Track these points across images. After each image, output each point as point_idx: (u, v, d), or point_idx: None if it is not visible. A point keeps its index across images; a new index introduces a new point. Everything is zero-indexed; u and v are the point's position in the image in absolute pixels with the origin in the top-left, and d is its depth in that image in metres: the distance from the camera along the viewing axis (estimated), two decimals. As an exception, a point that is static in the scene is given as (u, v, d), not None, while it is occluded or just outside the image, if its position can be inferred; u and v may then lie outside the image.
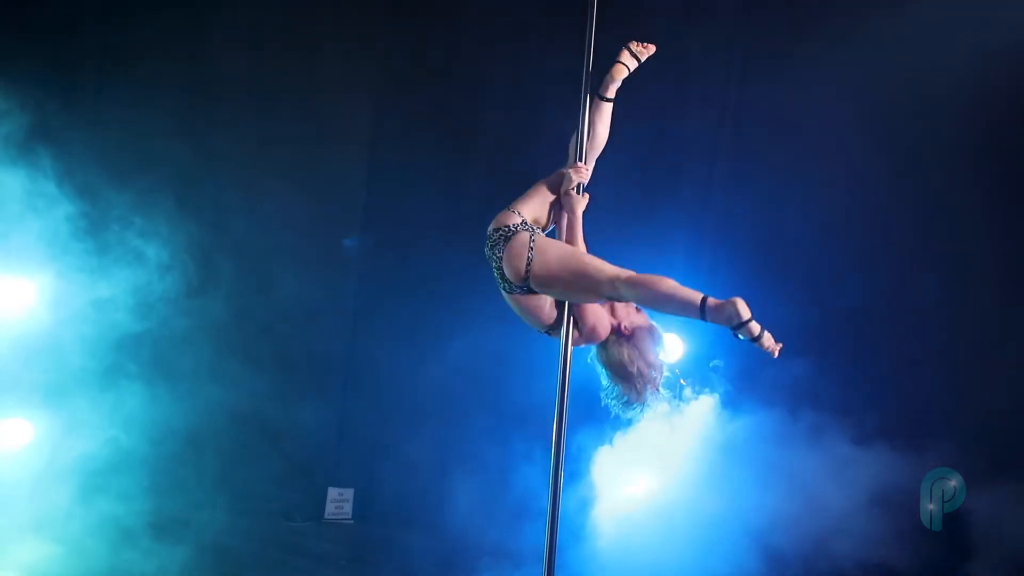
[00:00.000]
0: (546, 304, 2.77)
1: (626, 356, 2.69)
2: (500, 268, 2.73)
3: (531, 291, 2.71)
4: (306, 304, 5.22)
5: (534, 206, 2.83)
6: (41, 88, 4.41)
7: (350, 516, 5.36)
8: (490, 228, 2.78)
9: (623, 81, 2.91)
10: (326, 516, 5.33)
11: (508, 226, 2.74)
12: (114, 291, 4.55)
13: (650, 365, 2.69)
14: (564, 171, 2.88)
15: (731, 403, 4.84)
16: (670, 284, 2.48)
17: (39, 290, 4.57)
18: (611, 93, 2.91)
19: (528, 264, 2.65)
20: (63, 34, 4.72)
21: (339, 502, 5.38)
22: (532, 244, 2.67)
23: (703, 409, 4.79)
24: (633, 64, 2.91)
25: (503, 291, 2.78)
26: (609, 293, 2.57)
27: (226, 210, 5.02)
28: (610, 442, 4.78)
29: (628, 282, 2.51)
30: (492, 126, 5.41)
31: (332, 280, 5.37)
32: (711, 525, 4.65)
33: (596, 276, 2.56)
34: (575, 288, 2.64)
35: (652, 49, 2.92)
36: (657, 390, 2.72)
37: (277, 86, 5.21)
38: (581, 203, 2.84)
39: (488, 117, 5.40)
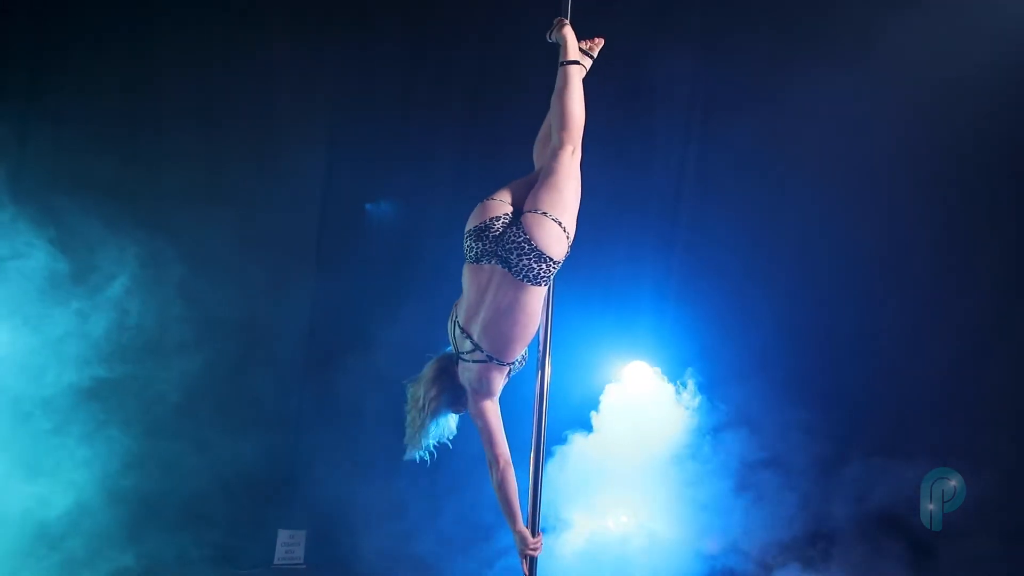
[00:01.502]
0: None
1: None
2: (524, 252, 2.51)
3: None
4: (255, 334, 4.99)
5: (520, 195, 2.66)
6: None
7: (302, 560, 5.02)
8: (484, 220, 2.57)
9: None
10: (276, 561, 4.99)
11: (508, 214, 2.58)
12: (51, 329, 4.27)
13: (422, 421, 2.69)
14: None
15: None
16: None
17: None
18: (571, 55, 2.72)
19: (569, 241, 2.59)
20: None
21: (290, 545, 5.04)
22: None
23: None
24: (587, 61, 2.81)
25: (526, 280, 2.53)
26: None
27: (171, 231, 4.74)
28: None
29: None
30: (456, 137, 5.31)
31: (284, 308, 5.14)
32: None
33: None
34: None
35: (600, 43, 2.85)
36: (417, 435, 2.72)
37: (225, 100, 5.04)
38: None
39: (452, 127, 5.32)
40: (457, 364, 2.66)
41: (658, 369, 4.83)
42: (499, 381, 2.62)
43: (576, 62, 2.70)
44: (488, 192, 2.67)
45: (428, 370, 2.71)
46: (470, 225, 2.59)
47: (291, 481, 5.10)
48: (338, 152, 5.27)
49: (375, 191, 5.32)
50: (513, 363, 2.63)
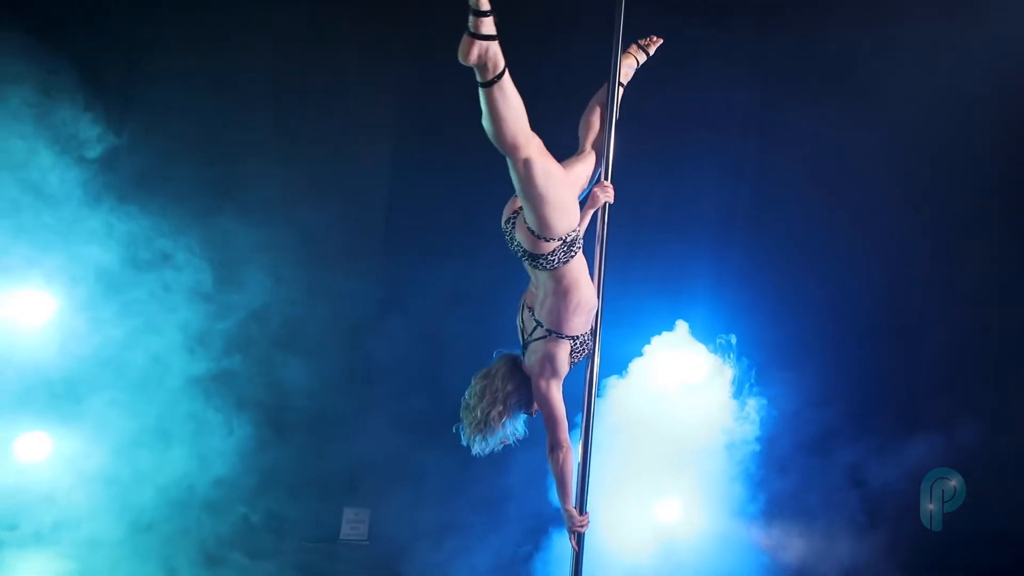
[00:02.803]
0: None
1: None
2: (520, 250, 2.78)
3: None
4: (321, 316, 5.17)
5: None
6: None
7: (366, 537, 5.30)
8: (502, 222, 2.83)
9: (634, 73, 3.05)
10: (341, 536, 5.26)
11: (516, 212, 2.78)
12: (138, 306, 4.59)
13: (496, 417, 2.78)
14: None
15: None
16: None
17: (60, 303, 4.62)
18: (622, 78, 2.99)
19: None
20: (91, 37, 4.81)
21: (355, 522, 5.33)
22: None
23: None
24: (642, 56, 3.04)
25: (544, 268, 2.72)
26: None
27: (248, 217, 4.98)
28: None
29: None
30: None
31: (352, 286, 5.30)
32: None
33: None
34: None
35: (659, 41, 3.03)
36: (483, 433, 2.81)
37: (300, 91, 5.25)
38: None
39: None
40: (523, 357, 2.82)
41: (703, 347, 4.80)
42: (563, 360, 2.75)
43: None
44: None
45: (501, 365, 2.84)
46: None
47: (357, 462, 5.30)
48: (403, 148, 5.46)
49: (438, 188, 5.45)
50: (575, 340, 2.77)
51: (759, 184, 5.18)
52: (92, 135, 4.48)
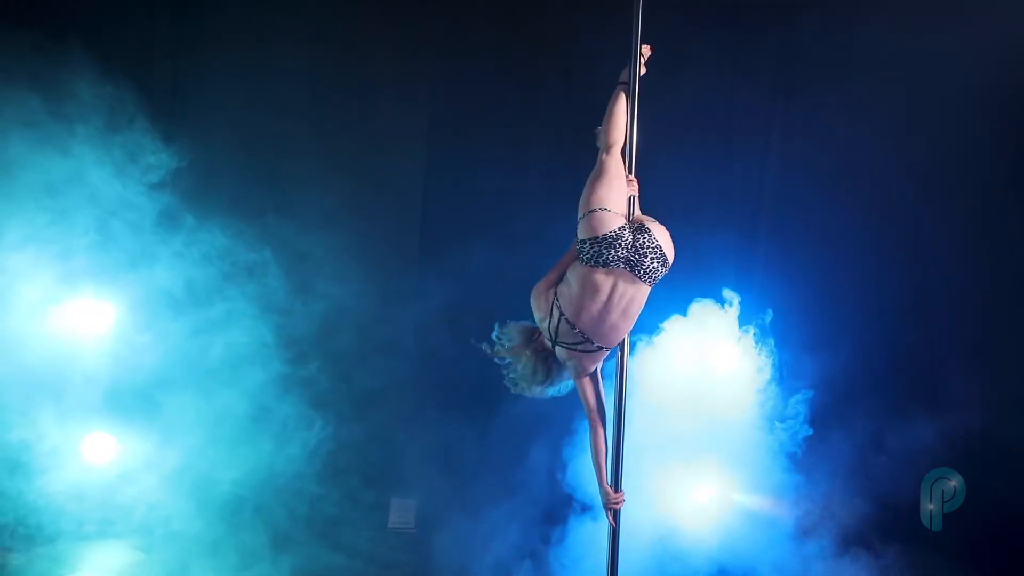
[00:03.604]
0: None
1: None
2: (656, 257, 2.83)
3: None
4: (366, 307, 5.32)
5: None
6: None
7: (412, 525, 5.50)
8: (612, 230, 2.81)
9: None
10: (390, 525, 5.48)
11: (626, 222, 2.88)
12: (195, 302, 4.83)
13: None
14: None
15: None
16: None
17: (122, 308, 4.91)
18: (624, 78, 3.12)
19: None
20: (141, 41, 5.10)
21: (402, 511, 5.54)
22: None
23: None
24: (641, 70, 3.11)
25: (647, 280, 2.85)
26: None
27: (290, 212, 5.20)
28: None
29: None
30: (547, 120, 5.54)
31: (392, 281, 5.51)
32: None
33: None
34: None
35: (649, 52, 3.12)
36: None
37: (333, 89, 5.42)
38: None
39: (542, 111, 5.55)
40: (547, 342, 2.96)
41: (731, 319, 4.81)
42: (601, 361, 2.97)
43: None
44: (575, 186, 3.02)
45: (513, 340, 3.04)
46: (597, 233, 2.79)
47: (404, 453, 5.50)
48: (436, 142, 5.61)
49: (472, 180, 5.59)
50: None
51: (784, 173, 5.24)
52: (150, 152, 4.73)
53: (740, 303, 4.70)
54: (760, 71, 5.29)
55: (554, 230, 5.03)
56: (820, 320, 4.91)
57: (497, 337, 3.03)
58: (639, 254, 2.78)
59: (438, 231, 5.63)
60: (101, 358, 4.82)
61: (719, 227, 4.99)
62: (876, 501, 4.61)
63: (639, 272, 2.79)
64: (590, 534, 4.64)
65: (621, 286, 2.80)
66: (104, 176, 4.56)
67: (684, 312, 4.71)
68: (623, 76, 3.05)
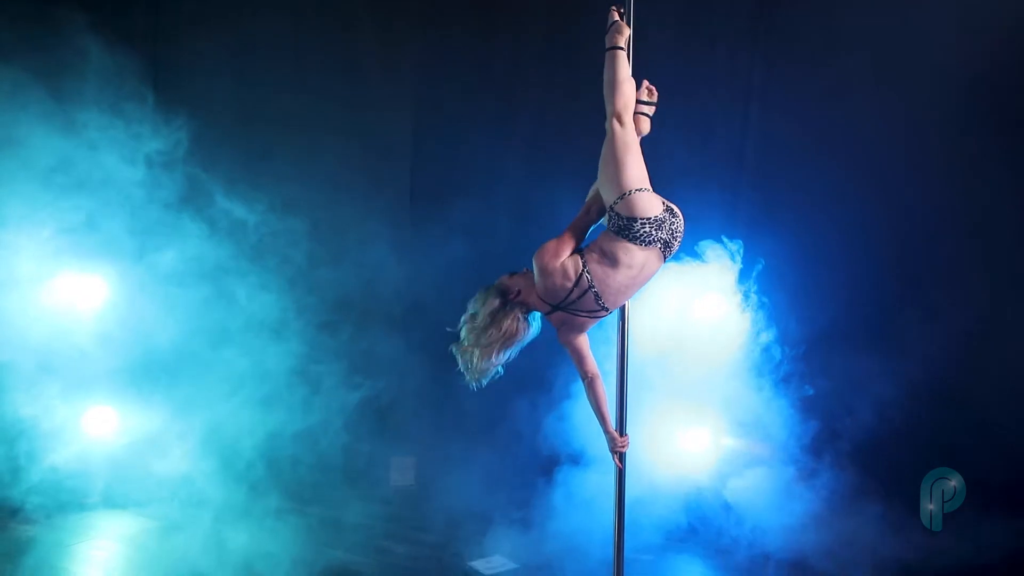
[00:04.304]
0: None
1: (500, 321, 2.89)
2: (680, 239, 2.96)
3: None
4: (360, 270, 5.43)
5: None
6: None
7: (413, 481, 5.68)
8: (659, 213, 2.86)
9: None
10: (392, 483, 5.66)
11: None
12: (189, 270, 4.88)
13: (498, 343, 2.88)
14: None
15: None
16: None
17: (117, 280, 4.95)
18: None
19: None
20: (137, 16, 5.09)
21: (402, 469, 5.71)
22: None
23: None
24: (651, 109, 3.21)
25: (667, 259, 2.96)
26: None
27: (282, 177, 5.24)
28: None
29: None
30: (534, 86, 5.57)
31: (382, 245, 5.57)
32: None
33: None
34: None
35: (655, 94, 3.22)
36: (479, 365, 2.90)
37: (319, 55, 5.45)
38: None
39: (530, 77, 5.57)
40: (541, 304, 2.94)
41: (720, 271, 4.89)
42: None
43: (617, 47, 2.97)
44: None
45: (493, 304, 2.92)
46: (649, 214, 2.82)
47: (403, 412, 5.66)
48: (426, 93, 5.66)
49: (457, 146, 5.67)
50: None
51: (767, 131, 5.28)
52: (148, 126, 4.74)
53: (728, 257, 4.82)
54: (742, 30, 5.32)
55: (537, 192, 5.27)
56: (805, 272, 5.01)
57: (472, 312, 2.94)
58: (673, 237, 2.90)
59: (427, 195, 5.71)
60: (111, 331, 4.90)
61: (705, 186, 5.10)
62: (859, 444, 4.80)
63: (667, 252, 2.92)
64: (580, 483, 4.84)
65: (650, 261, 2.89)
66: (103, 149, 4.56)
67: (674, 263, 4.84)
68: (612, 40, 2.99)
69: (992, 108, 4.78)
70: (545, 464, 5.12)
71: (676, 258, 4.56)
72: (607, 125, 2.92)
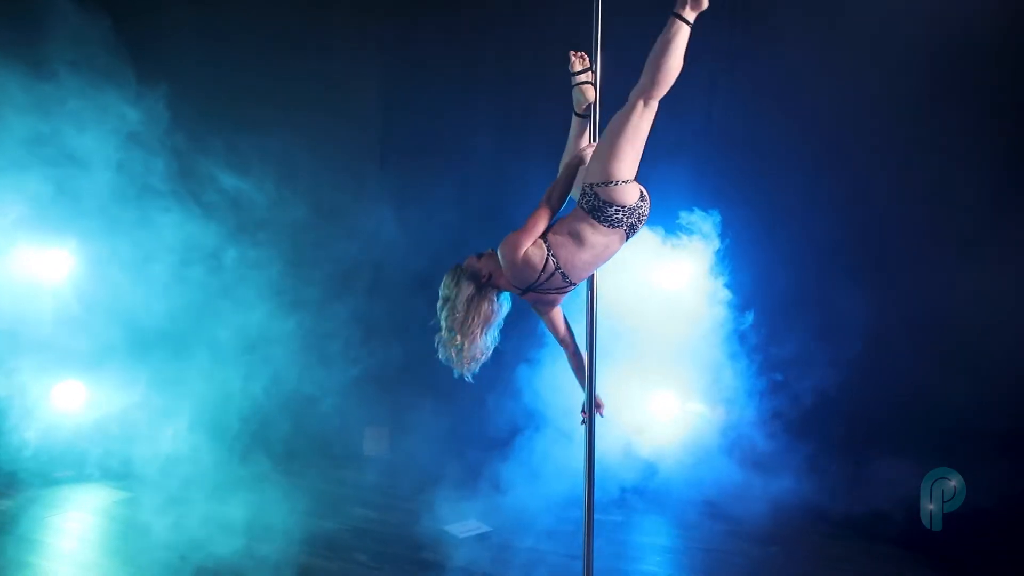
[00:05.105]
0: None
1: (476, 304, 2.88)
2: (644, 222, 2.96)
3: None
4: (331, 245, 5.49)
5: None
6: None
7: (387, 451, 5.79)
8: (636, 201, 2.85)
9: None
10: (365, 452, 5.78)
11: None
12: (158, 247, 4.88)
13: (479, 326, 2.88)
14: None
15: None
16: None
17: (84, 255, 4.91)
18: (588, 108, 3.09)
19: None
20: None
21: (376, 439, 5.80)
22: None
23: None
24: (589, 75, 3.08)
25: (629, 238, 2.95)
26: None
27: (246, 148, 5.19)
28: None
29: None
30: (500, 52, 5.61)
31: (351, 216, 5.65)
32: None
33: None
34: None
35: (583, 57, 3.10)
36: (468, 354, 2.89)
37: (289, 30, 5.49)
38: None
39: (496, 42, 5.61)
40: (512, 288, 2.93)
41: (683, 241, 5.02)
42: None
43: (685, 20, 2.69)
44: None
45: (467, 290, 2.88)
46: (625, 203, 2.81)
47: (375, 384, 5.69)
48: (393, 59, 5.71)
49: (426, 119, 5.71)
50: None
51: (733, 105, 5.33)
52: (122, 100, 4.70)
53: (698, 228, 4.96)
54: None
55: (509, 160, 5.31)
56: (769, 241, 5.15)
57: (447, 296, 2.91)
58: (639, 220, 2.90)
59: (397, 166, 5.73)
60: (80, 305, 4.88)
61: (674, 158, 5.16)
62: (810, 410, 4.99)
63: (631, 233, 2.92)
64: (546, 448, 4.99)
65: (613, 241, 2.89)
66: (72, 121, 4.51)
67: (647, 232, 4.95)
68: (684, 9, 2.68)
69: (956, 83, 4.86)
70: (512, 429, 5.23)
71: (650, 224, 4.72)
72: (631, 95, 2.76)
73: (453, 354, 2.90)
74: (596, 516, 3.16)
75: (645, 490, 5.05)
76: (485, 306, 2.89)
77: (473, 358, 2.91)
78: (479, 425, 5.49)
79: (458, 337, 2.88)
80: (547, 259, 2.86)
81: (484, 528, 4.53)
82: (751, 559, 4.21)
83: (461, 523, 4.58)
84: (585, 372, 3.15)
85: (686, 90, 5.34)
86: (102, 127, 4.63)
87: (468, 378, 2.96)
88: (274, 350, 5.16)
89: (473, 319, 2.87)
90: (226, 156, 4.96)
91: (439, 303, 2.94)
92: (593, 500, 3.14)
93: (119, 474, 5.05)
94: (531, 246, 2.85)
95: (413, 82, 5.71)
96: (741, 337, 4.98)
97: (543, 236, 2.89)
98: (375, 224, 5.70)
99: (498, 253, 2.89)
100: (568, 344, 3.17)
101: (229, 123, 5.14)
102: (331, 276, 5.50)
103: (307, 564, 3.97)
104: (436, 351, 2.93)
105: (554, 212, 2.95)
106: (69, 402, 5.08)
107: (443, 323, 2.92)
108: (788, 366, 4.99)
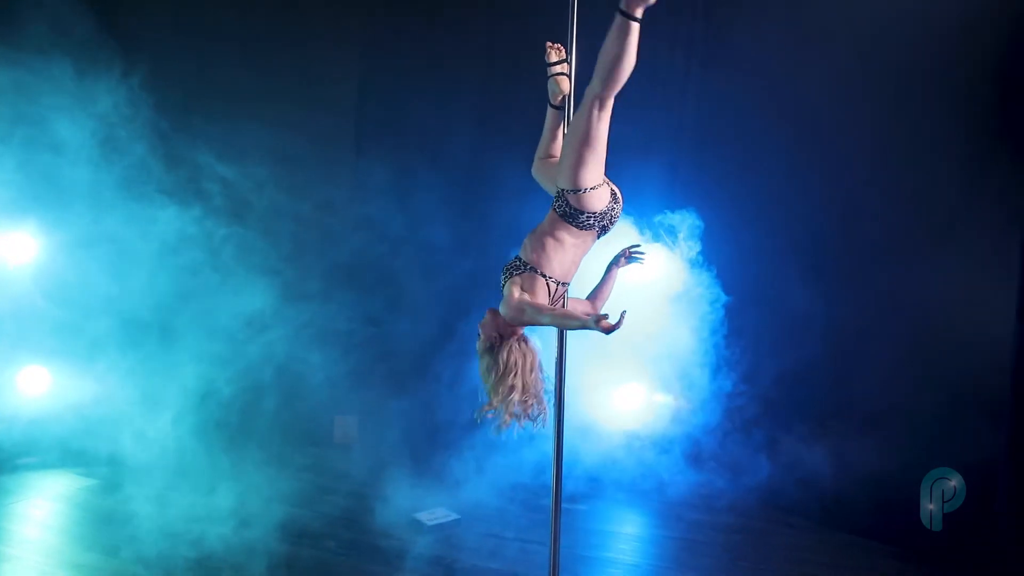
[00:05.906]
0: None
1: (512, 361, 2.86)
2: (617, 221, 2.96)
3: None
4: (306, 234, 5.48)
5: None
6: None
7: (356, 439, 5.78)
8: (611, 203, 2.85)
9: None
10: (335, 440, 5.77)
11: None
12: (129, 234, 4.79)
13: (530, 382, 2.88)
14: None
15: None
16: None
17: (46, 239, 4.83)
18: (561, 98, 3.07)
19: None
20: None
21: (345, 427, 5.80)
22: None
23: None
24: (564, 67, 3.05)
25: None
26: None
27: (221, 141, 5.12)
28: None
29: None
30: (481, 46, 5.60)
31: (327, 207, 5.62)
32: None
33: None
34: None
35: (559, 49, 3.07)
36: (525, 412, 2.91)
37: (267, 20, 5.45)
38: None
39: (478, 35, 5.60)
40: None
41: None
42: None
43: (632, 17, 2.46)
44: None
45: (493, 358, 2.87)
46: (596, 209, 2.80)
47: (346, 373, 5.59)
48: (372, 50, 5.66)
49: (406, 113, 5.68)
50: None
51: (705, 105, 5.39)
52: (101, 86, 4.63)
53: (668, 223, 5.03)
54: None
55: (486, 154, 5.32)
56: (741, 236, 5.17)
57: (482, 377, 2.90)
58: (611, 221, 2.91)
59: (374, 160, 5.70)
60: (44, 290, 4.81)
61: (647, 152, 5.20)
62: (776, 399, 5.06)
63: (602, 233, 2.94)
64: (512, 436, 4.97)
65: (588, 240, 2.92)
66: (45, 105, 4.44)
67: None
68: (631, 5, 2.43)
69: (934, 77, 4.82)
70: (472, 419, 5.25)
71: (622, 220, 4.75)
72: (585, 99, 2.64)
73: (515, 415, 2.91)
74: (563, 504, 3.21)
75: (611, 479, 5.12)
76: (513, 356, 2.87)
77: (534, 406, 2.92)
78: (448, 413, 5.50)
79: (509, 396, 2.87)
80: (547, 284, 2.88)
81: (452, 516, 4.56)
82: (716, 546, 4.30)
83: (429, 511, 4.62)
84: (576, 309, 3.11)
85: (657, 86, 5.51)
86: (76, 112, 4.55)
87: (541, 426, 2.96)
88: (243, 337, 5.11)
89: (510, 376, 2.86)
90: (196, 146, 4.90)
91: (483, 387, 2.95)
92: (561, 488, 3.19)
93: (83, 460, 4.99)
94: (503, 327, 2.87)
95: (390, 73, 5.67)
96: (711, 330, 5.05)
97: (530, 266, 2.88)
98: (352, 217, 5.67)
99: (500, 311, 2.88)
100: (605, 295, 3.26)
101: (200, 114, 5.09)
102: (306, 267, 5.48)
103: (276, 551, 3.98)
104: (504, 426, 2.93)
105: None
106: (33, 387, 5.01)
107: (490, 396, 2.90)
108: (755, 359, 5.07)
